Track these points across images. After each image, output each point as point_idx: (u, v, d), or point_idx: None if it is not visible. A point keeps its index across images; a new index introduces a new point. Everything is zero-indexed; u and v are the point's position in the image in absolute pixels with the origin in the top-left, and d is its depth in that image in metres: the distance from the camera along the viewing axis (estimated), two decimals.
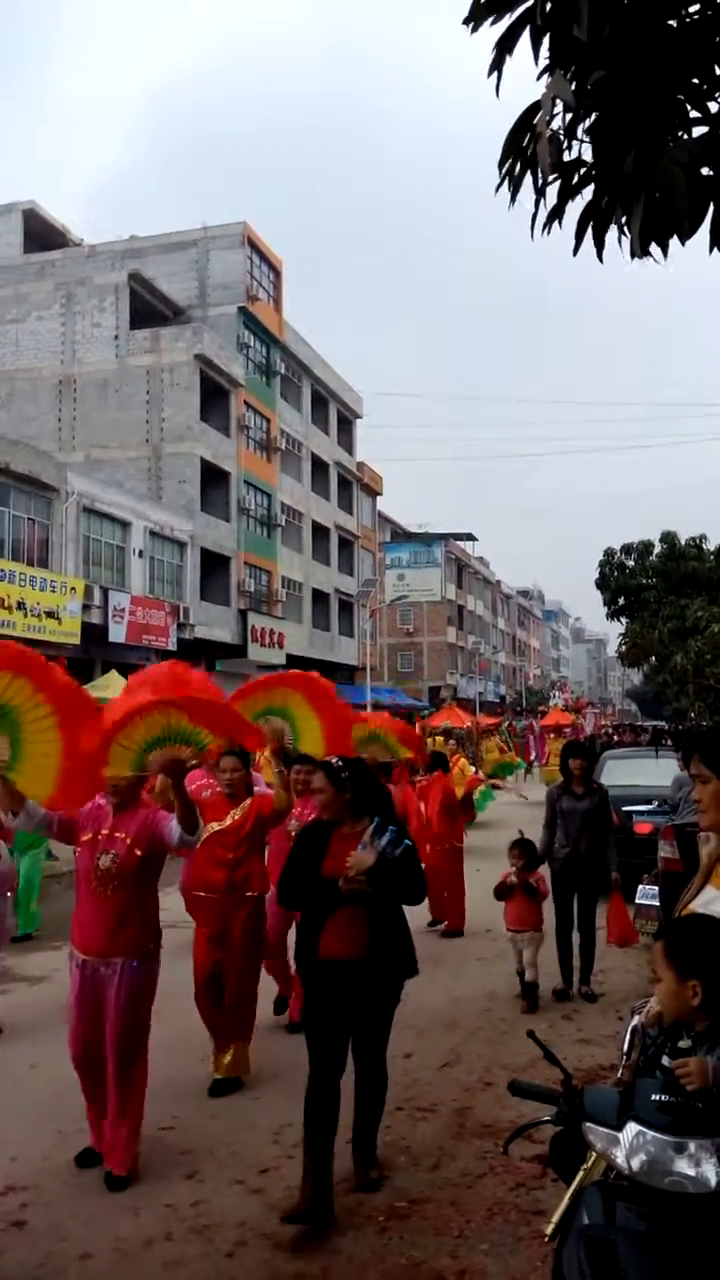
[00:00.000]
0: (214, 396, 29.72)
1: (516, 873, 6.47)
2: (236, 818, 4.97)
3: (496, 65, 3.22)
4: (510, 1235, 3.42)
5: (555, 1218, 2.16)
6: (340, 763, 3.87)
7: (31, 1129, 4.34)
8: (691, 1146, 1.91)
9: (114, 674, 21.31)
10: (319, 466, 39.53)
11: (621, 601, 31.31)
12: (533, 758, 27.67)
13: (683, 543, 30.60)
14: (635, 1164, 1.95)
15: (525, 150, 3.29)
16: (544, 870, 6.70)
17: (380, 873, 3.61)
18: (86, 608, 21.94)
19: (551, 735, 22.59)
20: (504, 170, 3.39)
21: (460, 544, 61.53)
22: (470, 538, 63.53)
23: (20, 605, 19.52)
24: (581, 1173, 2.17)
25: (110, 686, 20.81)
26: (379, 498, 49.17)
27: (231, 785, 5.04)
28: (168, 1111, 4.44)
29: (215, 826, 4.94)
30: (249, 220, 31.84)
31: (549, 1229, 2.17)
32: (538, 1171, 3.82)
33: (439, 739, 18.48)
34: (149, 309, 29.60)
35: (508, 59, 3.10)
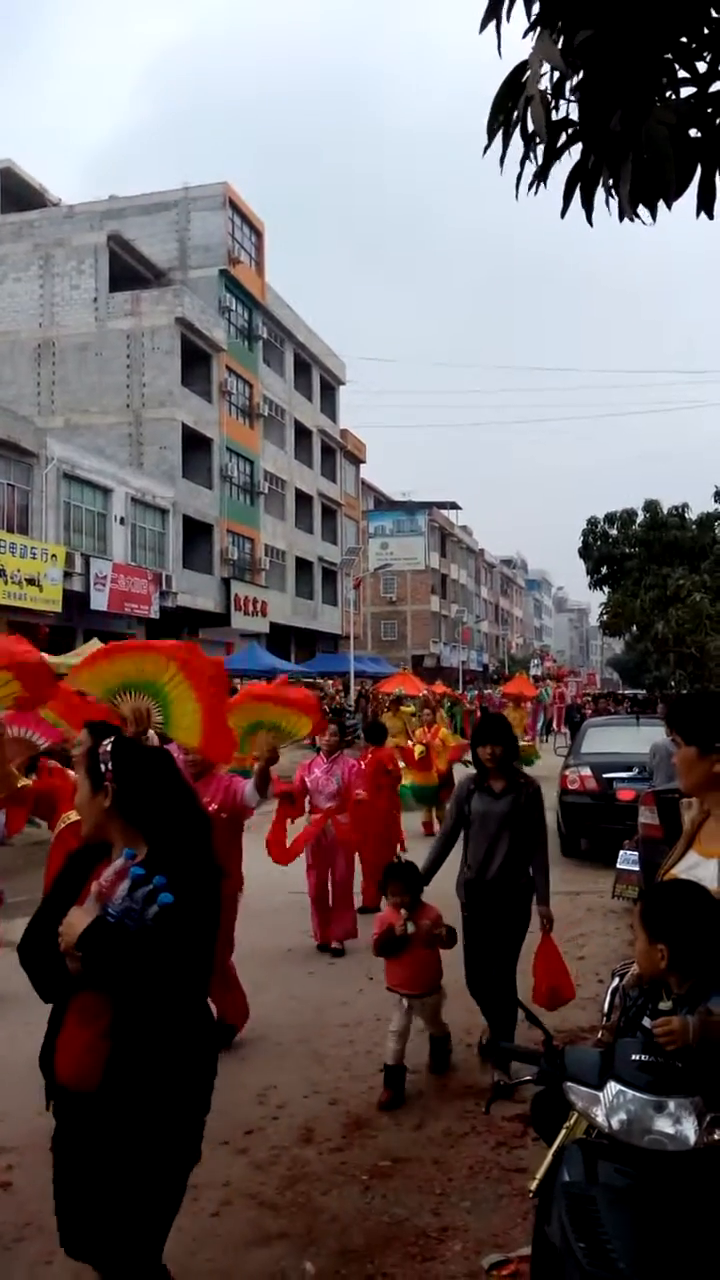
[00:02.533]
0: (195, 361, 29.35)
1: (406, 919, 4.46)
2: None
3: (488, 21, 3.15)
4: (492, 1193, 3.49)
5: (539, 1175, 2.20)
6: (109, 747, 2.37)
7: (20, 1088, 4.36)
8: (671, 1105, 1.95)
9: (95, 642, 21.22)
10: (302, 433, 39.22)
11: (604, 571, 31.41)
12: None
13: (665, 512, 30.68)
14: (615, 1122, 1.99)
15: (512, 111, 3.24)
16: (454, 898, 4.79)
17: (98, 948, 2.13)
18: (68, 575, 21.78)
19: (511, 705, 19.08)
20: (492, 131, 3.34)
21: (444, 513, 61.40)
22: (454, 506, 63.39)
23: (0, 572, 19.35)
24: (564, 1131, 2.21)
25: None
26: (362, 465, 48.90)
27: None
28: None
29: (72, 816, 4.02)
30: (233, 182, 31.28)
31: (532, 1186, 2.21)
32: (519, 1130, 3.90)
33: (405, 709, 17.10)
34: (129, 271, 29.10)
35: (503, 19, 3.04)
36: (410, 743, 12.08)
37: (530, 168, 3.54)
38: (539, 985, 4.63)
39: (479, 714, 27.45)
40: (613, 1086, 2.02)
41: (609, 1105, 2.01)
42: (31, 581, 20.36)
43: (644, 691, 36.60)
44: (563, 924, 7.37)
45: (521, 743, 17.58)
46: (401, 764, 10.55)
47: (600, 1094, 2.04)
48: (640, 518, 31.03)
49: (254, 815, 5.86)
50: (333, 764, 6.98)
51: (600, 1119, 2.02)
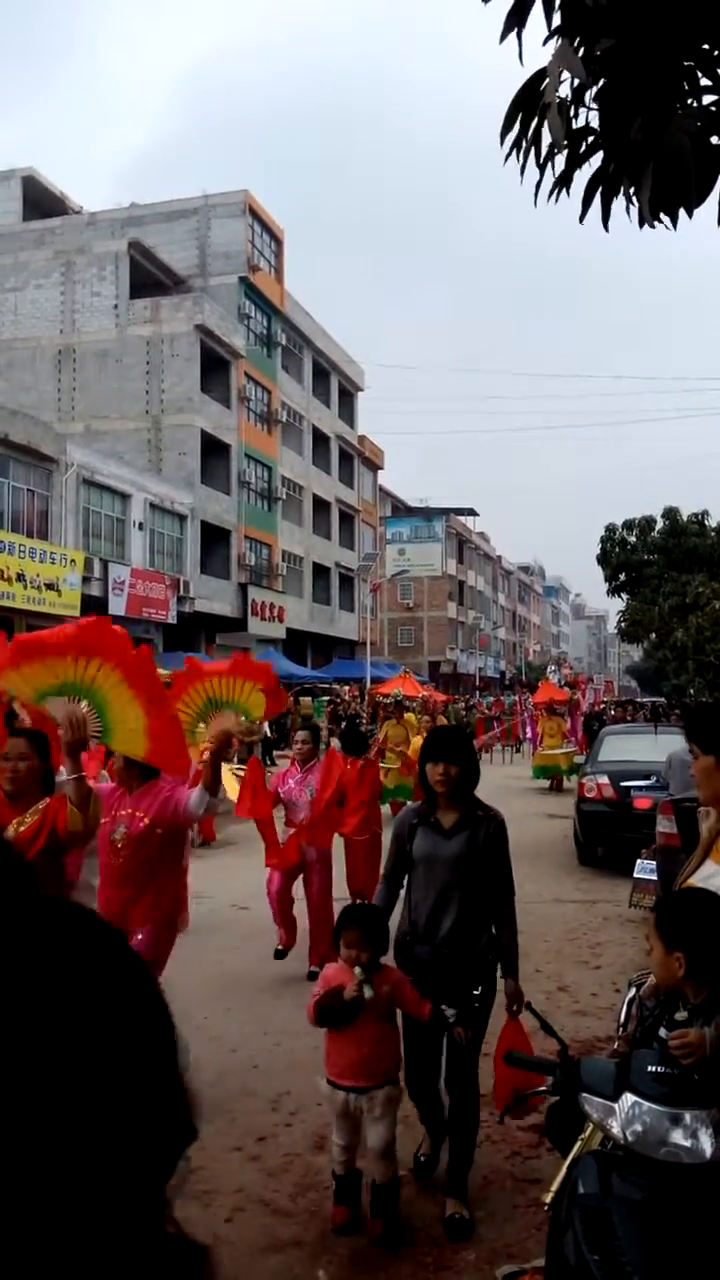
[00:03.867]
0: (214, 367, 29.50)
1: (361, 980, 3.21)
2: (21, 830, 3.31)
3: (509, 31, 3.16)
4: (506, 1203, 3.47)
5: (554, 1187, 2.19)
6: None
7: None
8: (687, 1117, 1.94)
9: None
10: (320, 439, 39.32)
11: (622, 577, 31.27)
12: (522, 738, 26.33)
13: (684, 518, 30.52)
14: (631, 1134, 1.97)
15: (529, 119, 3.24)
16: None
17: None
18: (86, 580, 21.92)
19: (544, 714, 19.03)
20: (508, 140, 3.34)
21: (461, 519, 61.35)
22: (471, 513, 63.33)
23: (20, 577, 19.49)
24: (579, 1143, 2.20)
25: None
26: (380, 472, 48.94)
27: (15, 778, 3.39)
28: None
29: None
30: (258, 190, 31.44)
31: (547, 1198, 2.20)
32: (533, 1140, 3.88)
33: (410, 715, 16.53)
34: (149, 278, 29.30)
35: (524, 29, 3.04)
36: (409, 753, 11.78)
37: (550, 175, 3.55)
38: (499, 1084, 3.34)
39: (496, 722, 27.05)
40: (628, 1098, 2.01)
41: (625, 1117, 2.00)
42: (50, 586, 20.51)
43: (662, 699, 36.39)
44: (578, 932, 7.36)
45: (565, 750, 17.56)
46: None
47: (616, 1105, 2.02)
48: (659, 524, 30.90)
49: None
50: (306, 774, 6.47)
51: (616, 1131, 2.01)
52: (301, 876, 6.44)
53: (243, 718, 4.44)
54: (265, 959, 6.33)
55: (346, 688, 30.16)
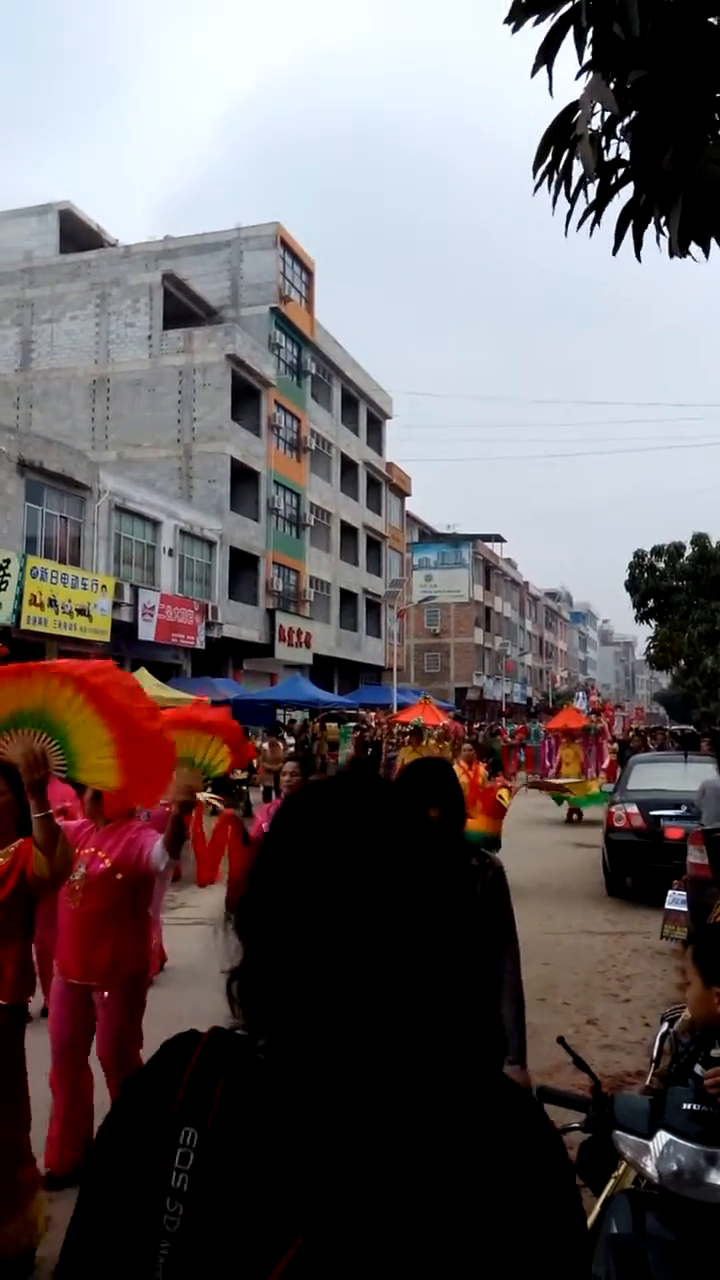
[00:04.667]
0: (245, 396, 29.86)
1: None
2: None
3: (540, 64, 3.21)
4: None
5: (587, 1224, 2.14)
6: None
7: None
8: None
9: (143, 671, 21.50)
10: (348, 466, 39.60)
11: (651, 604, 31.11)
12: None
13: (714, 545, 30.34)
14: (666, 1173, 1.93)
15: (561, 151, 3.28)
16: None
17: None
18: (117, 605, 22.12)
19: (564, 740, 18.28)
20: (540, 171, 3.38)
21: (488, 545, 61.37)
22: (498, 539, 63.34)
23: (52, 602, 19.72)
24: (611, 1181, 2.15)
25: (140, 684, 21.00)
26: (407, 498, 49.15)
27: None
28: None
29: None
30: (291, 223, 31.97)
31: None
32: None
33: (431, 742, 16.09)
34: (182, 309, 29.80)
35: (554, 63, 3.09)
36: None
37: (581, 206, 3.57)
38: None
39: (521, 750, 26.32)
40: (663, 1136, 1.97)
41: (659, 1155, 1.95)
42: (82, 612, 20.72)
43: (691, 727, 35.97)
44: (608, 964, 7.24)
45: (581, 780, 16.91)
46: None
47: (650, 1143, 1.98)
48: (688, 551, 30.75)
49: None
50: None
51: (650, 1169, 1.97)
52: None
53: (203, 775, 4.07)
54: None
55: (373, 714, 30.12)
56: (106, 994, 3.79)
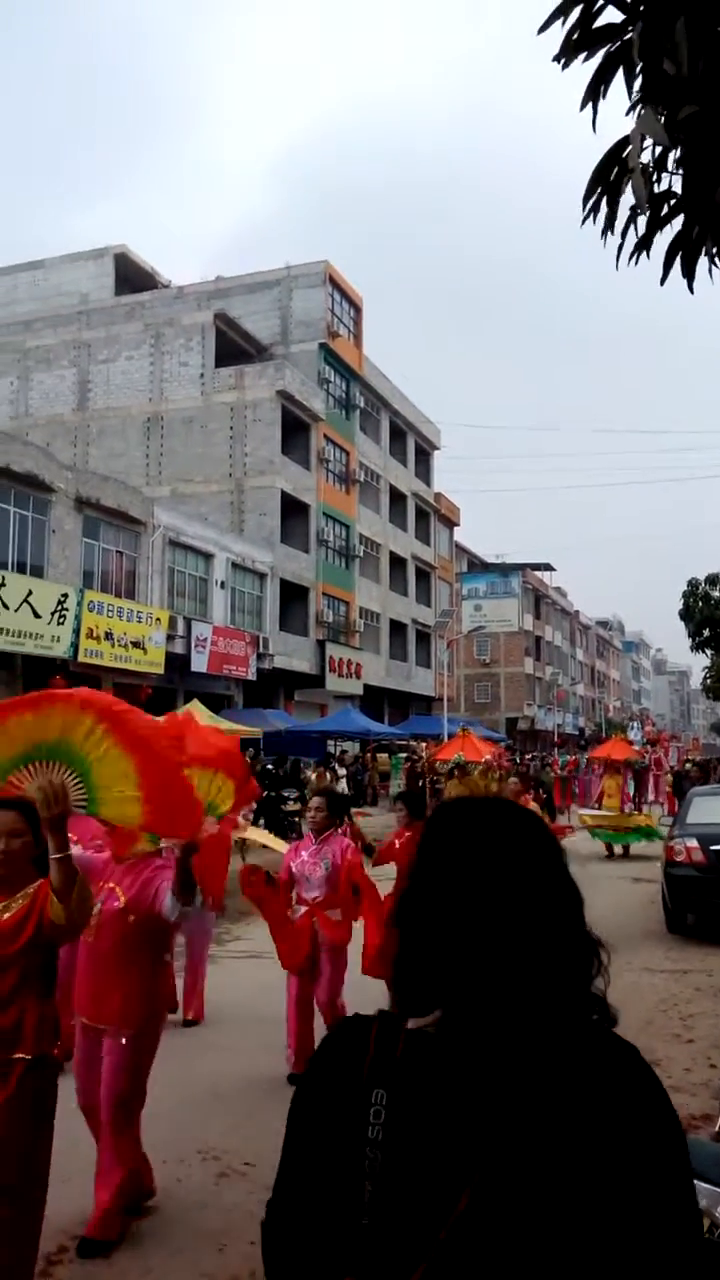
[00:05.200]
0: (295, 431, 30.29)
1: None
2: (7, 917, 2.85)
3: (588, 100, 3.25)
4: None
5: None
6: None
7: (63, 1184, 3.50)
8: None
9: (196, 703, 21.69)
10: (397, 498, 39.81)
11: (706, 633, 30.60)
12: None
13: None
14: None
15: (612, 183, 3.31)
16: None
17: None
18: (170, 638, 22.44)
19: (607, 771, 17.53)
20: (589, 204, 3.42)
21: (538, 574, 61.02)
22: (548, 568, 62.96)
23: (108, 635, 20.08)
24: None
25: (192, 715, 21.21)
26: (456, 528, 49.19)
27: (6, 857, 2.86)
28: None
29: None
30: (339, 259, 32.55)
31: None
32: None
33: (476, 775, 15.25)
34: (233, 347, 30.43)
35: (602, 98, 3.14)
36: None
37: (631, 238, 3.59)
38: None
39: (573, 782, 25.26)
40: None
41: None
42: (137, 644, 21.06)
43: None
44: (668, 1004, 7.05)
45: (623, 813, 16.21)
46: None
47: None
48: None
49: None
50: (321, 845, 5.57)
51: None
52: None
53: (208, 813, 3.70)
54: (244, 1076, 5.42)
55: (424, 745, 29.97)
56: (123, 1039, 3.59)
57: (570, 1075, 1.02)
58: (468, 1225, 0.97)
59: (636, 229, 3.56)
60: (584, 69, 3.19)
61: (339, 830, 5.70)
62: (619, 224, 3.26)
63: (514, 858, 1.06)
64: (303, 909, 5.48)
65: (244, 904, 6.86)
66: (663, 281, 3.63)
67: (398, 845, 6.48)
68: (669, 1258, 0.97)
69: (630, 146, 3.05)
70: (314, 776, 19.54)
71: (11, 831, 2.86)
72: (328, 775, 19.67)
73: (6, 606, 17.47)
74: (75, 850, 3.70)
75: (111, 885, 3.66)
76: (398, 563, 39.64)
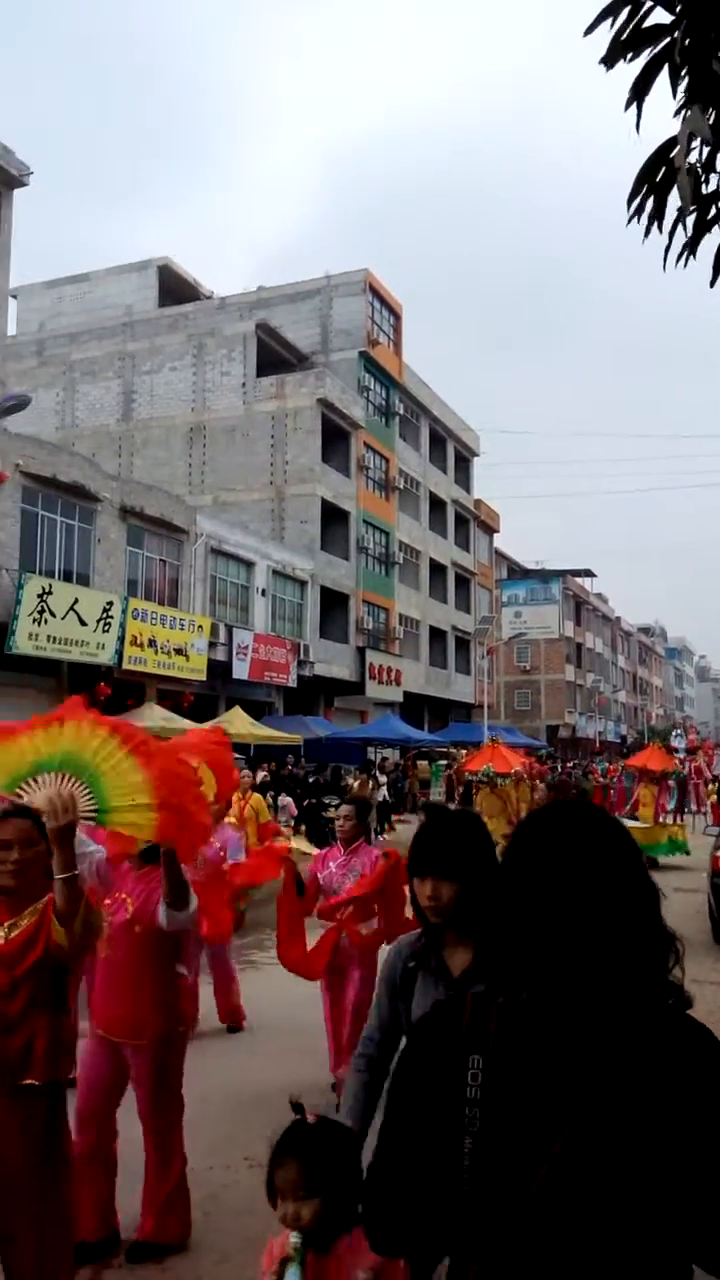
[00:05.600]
0: (335, 438, 30.43)
1: (294, 1255, 1.87)
2: (14, 935, 2.72)
3: (632, 101, 3.27)
4: None
5: None
6: None
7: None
8: None
9: (238, 709, 21.87)
10: (436, 505, 39.78)
11: None
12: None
13: None
14: None
15: (658, 184, 3.31)
16: None
17: None
18: (212, 645, 22.63)
19: (643, 780, 17.15)
20: (634, 205, 3.42)
21: (578, 580, 60.52)
22: (589, 574, 62.43)
23: (152, 643, 20.32)
24: None
25: (234, 722, 21.40)
26: (496, 535, 49.00)
27: (16, 869, 2.73)
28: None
29: None
30: (379, 267, 32.70)
31: None
32: None
33: (507, 785, 14.01)
34: (274, 356, 30.68)
35: (645, 96, 3.14)
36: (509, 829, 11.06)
37: (678, 240, 3.59)
38: None
39: (613, 790, 24.42)
40: None
41: None
42: (179, 651, 21.28)
43: None
44: (718, 1015, 6.94)
45: (656, 824, 15.67)
46: None
47: None
48: None
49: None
50: (350, 856, 5.32)
51: None
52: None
53: None
54: (264, 1085, 5.18)
55: (464, 751, 29.83)
56: (136, 1052, 3.54)
57: (648, 1046, 1.17)
58: (560, 1173, 1.12)
59: (685, 229, 3.56)
60: (626, 72, 3.20)
61: (370, 840, 5.53)
62: (666, 225, 3.26)
63: (596, 856, 1.20)
64: (330, 923, 5.18)
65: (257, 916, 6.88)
66: (713, 282, 3.63)
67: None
68: None
69: (678, 147, 3.06)
70: (355, 784, 19.51)
71: (24, 840, 2.71)
72: (369, 783, 19.61)
73: (54, 614, 17.78)
74: (98, 854, 3.66)
75: (124, 896, 3.59)
76: (437, 569, 39.59)
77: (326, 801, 18.71)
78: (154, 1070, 3.55)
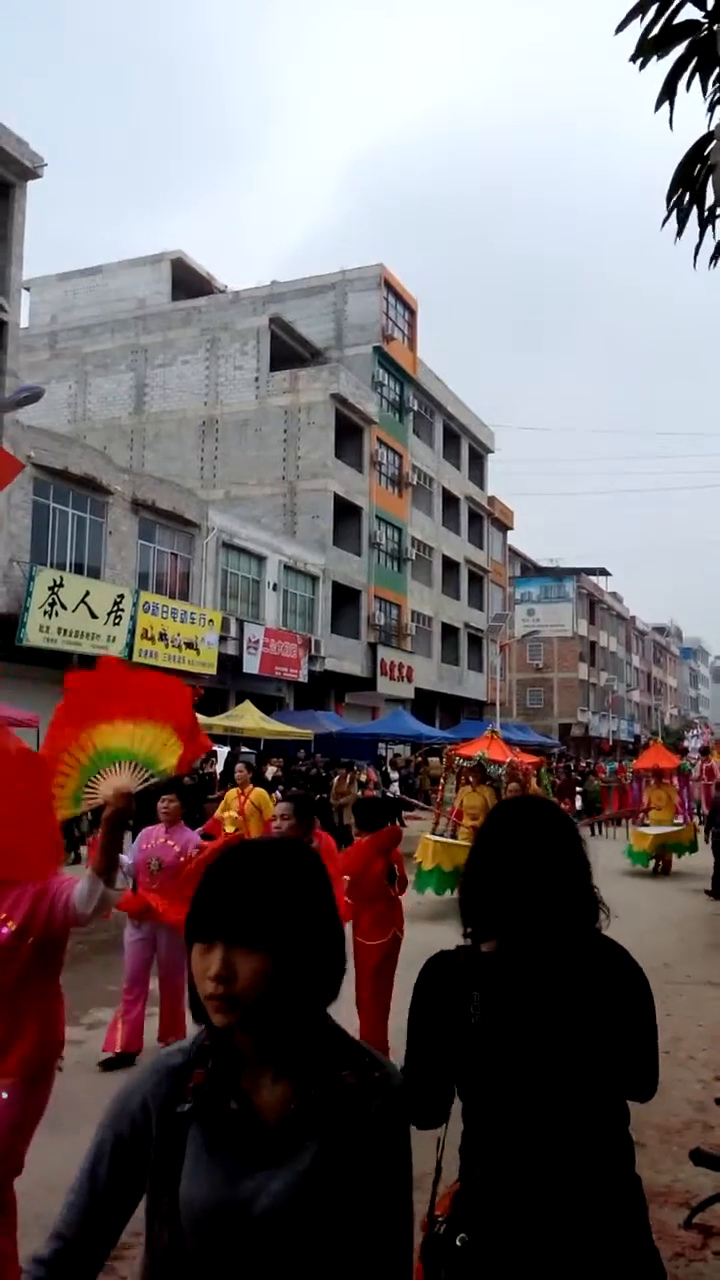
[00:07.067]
0: (348, 434, 30.36)
1: None
2: None
3: (664, 99, 3.20)
4: None
5: None
6: None
7: None
8: None
9: (248, 704, 21.87)
10: (450, 501, 39.67)
11: None
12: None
13: None
14: None
15: (695, 181, 3.25)
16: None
17: None
18: (223, 639, 22.63)
19: (652, 783, 16.91)
20: (671, 202, 3.35)
21: (592, 579, 60.28)
22: (603, 572, 62.16)
23: (162, 636, 20.34)
24: None
25: (244, 716, 21.38)
26: (510, 532, 48.84)
27: None
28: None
29: None
30: (398, 264, 32.57)
31: None
32: (698, 1242, 3.60)
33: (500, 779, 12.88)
34: (288, 351, 30.61)
35: (678, 93, 3.08)
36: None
37: (711, 238, 3.52)
38: None
39: (618, 790, 23.40)
40: None
41: None
42: (190, 645, 21.29)
43: None
44: None
45: (675, 825, 15.22)
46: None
47: None
48: None
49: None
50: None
51: None
52: None
53: (147, 771, 3.02)
54: None
55: (447, 747, 29.25)
56: (3, 1094, 2.86)
57: (590, 966, 1.70)
58: (538, 1053, 1.64)
59: (716, 229, 3.49)
60: (657, 72, 3.13)
61: (310, 841, 4.92)
62: (701, 220, 3.20)
63: (546, 839, 1.74)
64: None
65: None
66: None
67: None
68: (645, 1051, 1.74)
69: (714, 143, 3.00)
70: (335, 780, 18.93)
71: None
72: (349, 778, 18.90)
73: (65, 607, 17.79)
74: None
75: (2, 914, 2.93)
76: (450, 566, 39.49)
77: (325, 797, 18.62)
78: (15, 1116, 2.88)
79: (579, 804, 22.68)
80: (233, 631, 23.23)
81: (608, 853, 15.57)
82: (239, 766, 11.94)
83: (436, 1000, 1.72)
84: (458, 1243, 1.62)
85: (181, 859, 5.66)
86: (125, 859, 5.24)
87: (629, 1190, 1.68)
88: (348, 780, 18.70)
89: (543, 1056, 1.63)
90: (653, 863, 14.99)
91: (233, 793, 10.42)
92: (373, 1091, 1.33)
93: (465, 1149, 1.72)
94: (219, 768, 16.95)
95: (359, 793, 17.83)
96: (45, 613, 17.40)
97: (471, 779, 12.32)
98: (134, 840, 6.06)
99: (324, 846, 5.30)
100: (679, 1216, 3.71)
